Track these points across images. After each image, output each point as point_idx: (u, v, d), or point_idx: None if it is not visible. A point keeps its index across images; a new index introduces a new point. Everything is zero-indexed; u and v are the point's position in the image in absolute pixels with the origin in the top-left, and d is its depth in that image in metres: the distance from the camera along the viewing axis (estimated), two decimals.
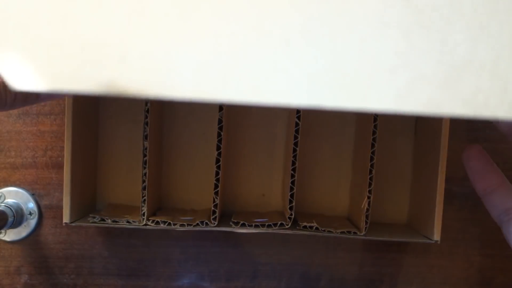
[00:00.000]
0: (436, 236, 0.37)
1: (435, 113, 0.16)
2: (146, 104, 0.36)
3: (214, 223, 0.37)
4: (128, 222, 0.38)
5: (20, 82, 0.13)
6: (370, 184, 0.36)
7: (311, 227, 0.38)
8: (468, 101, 0.16)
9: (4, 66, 0.13)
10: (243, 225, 0.37)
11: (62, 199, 0.42)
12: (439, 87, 0.16)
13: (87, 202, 0.42)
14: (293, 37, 0.15)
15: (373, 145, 0.36)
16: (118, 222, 0.38)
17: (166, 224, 0.37)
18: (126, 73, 0.14)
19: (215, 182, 0.37)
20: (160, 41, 0.14)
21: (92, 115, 0.42)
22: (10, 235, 0.43)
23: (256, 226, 0.37)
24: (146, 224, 0.38)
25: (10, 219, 0.41)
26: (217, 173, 0.37)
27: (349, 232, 0.37)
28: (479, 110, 0.16)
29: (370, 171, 0.36)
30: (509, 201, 0.28)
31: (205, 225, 0.37)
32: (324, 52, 0.15)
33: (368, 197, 0.36)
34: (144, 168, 0.37)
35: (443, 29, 0.16)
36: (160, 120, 0.42)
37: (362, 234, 0.37)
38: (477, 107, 0.16)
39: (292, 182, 0.37)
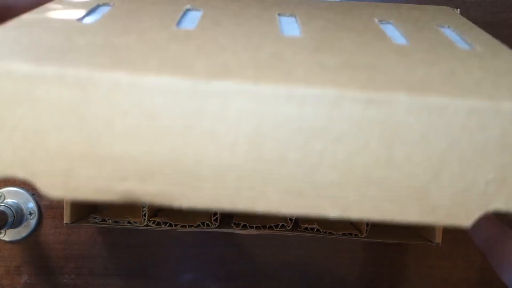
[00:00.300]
0: (437, 239, 0.36)
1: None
2: None
3: (215, 224, 0.37)
4: (129, 222, 0.38)
5: (49, 192, 0.16)
6: None
7: (312, 229, 0.38)
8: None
9: (38, 180, 0.16)
10: (244, 226, 0.37)
11: (62, 199, 0.42)
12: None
13: (88, 202, 0.42)
14: (288, 155, 0.16)
15: None
16: (119, 222, 0.38)
17: (167, 225, 0.37)
18: (141, 186, 0.16)
19: None
20: (169, 158, 0.16)
21: None
22: (10, 235, 0.43)
23: (257, 228, 0.37)
24: (147, 225, 0.37)
25: (10, 219, 0.41)
26: None
27: (350, 234, 0.37)
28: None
29: None
30: (489, 230, 0.28)
31: (206, 226, 0.37)
32: (312, 171, 0.16)
33: None
34: None
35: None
36: None
37: (363, 236, 0.37)
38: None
39: None
